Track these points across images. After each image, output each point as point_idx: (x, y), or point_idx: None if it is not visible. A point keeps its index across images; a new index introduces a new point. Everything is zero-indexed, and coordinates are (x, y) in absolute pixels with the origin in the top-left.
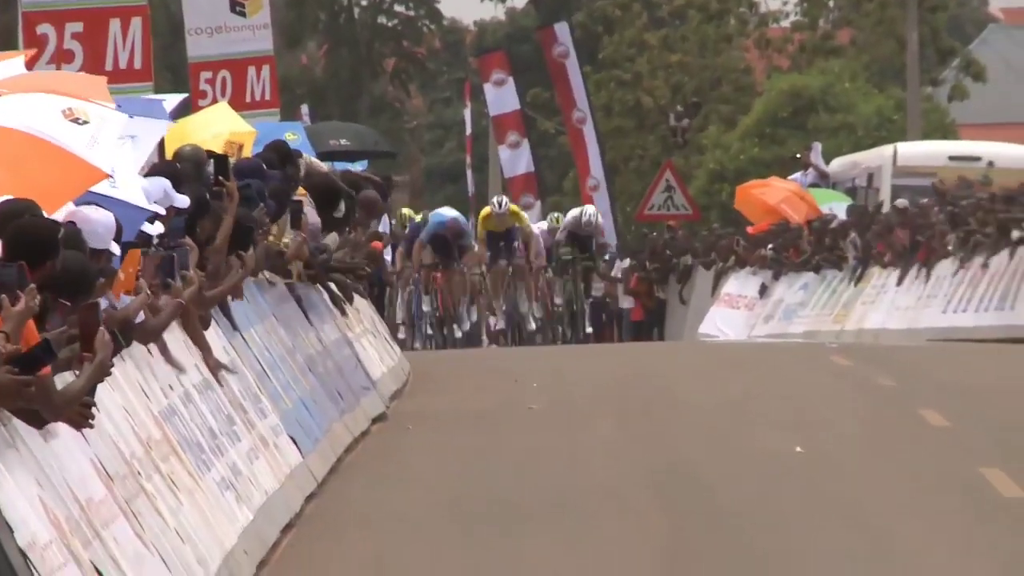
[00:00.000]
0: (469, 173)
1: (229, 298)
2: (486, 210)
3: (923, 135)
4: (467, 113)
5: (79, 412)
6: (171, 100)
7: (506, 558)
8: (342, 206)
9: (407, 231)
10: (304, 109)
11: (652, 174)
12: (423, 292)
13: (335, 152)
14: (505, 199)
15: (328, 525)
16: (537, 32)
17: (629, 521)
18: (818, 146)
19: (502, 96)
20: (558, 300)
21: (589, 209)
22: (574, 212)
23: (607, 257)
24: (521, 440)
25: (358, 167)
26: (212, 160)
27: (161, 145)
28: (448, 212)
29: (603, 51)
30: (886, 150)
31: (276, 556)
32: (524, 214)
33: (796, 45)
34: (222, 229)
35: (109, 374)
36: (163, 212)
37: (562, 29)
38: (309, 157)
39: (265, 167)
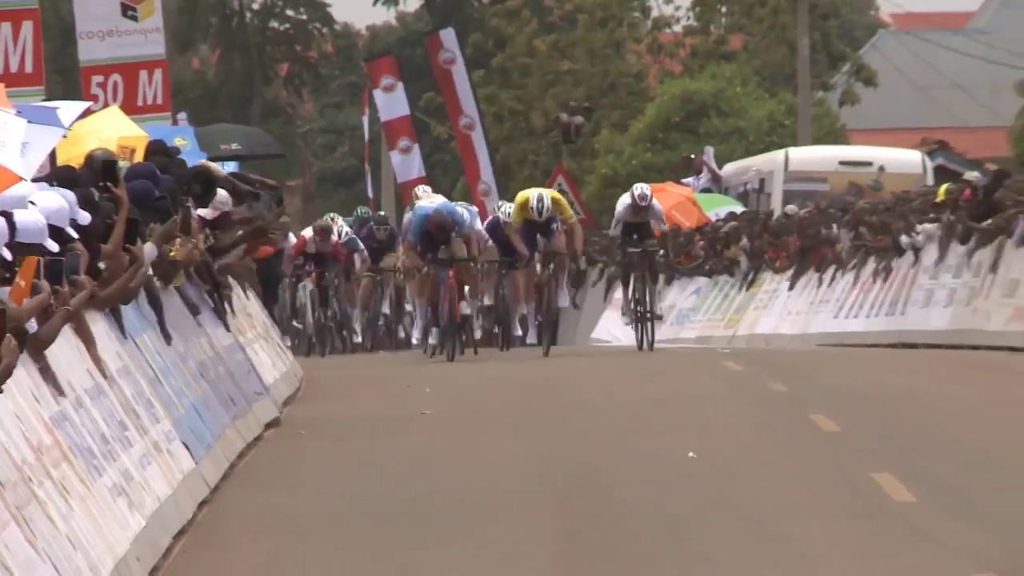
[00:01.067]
0: (369, 178)
1: (120, 304)
2: (524, 196)
3: (814, 140)
4: (365, 119)
5: None
6: (67, 108)
7: (398, 562)
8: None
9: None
10: (182, 116)
11: (545, 179)
12: (415, 294)
13: (225, 156)
14: (545, 194)
15: (220, 531)
16: (425, 39)
17: (523, 524)
18: (711, 150)
19: (392, 102)
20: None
21: (643, 186)
22: (625, 198)
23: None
24: (413, 445)
25: (231, 167)
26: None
27: (52, 153)
28: (429, 204)
29: (495, 60)
30: (778, 155)
31: (168, 562)
32: (566, 202)
33: (688, 50)
34: (114, 235)
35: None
36: (74, 234)
37: (448, 36)
38: (207, 163)
39: (157, 172)
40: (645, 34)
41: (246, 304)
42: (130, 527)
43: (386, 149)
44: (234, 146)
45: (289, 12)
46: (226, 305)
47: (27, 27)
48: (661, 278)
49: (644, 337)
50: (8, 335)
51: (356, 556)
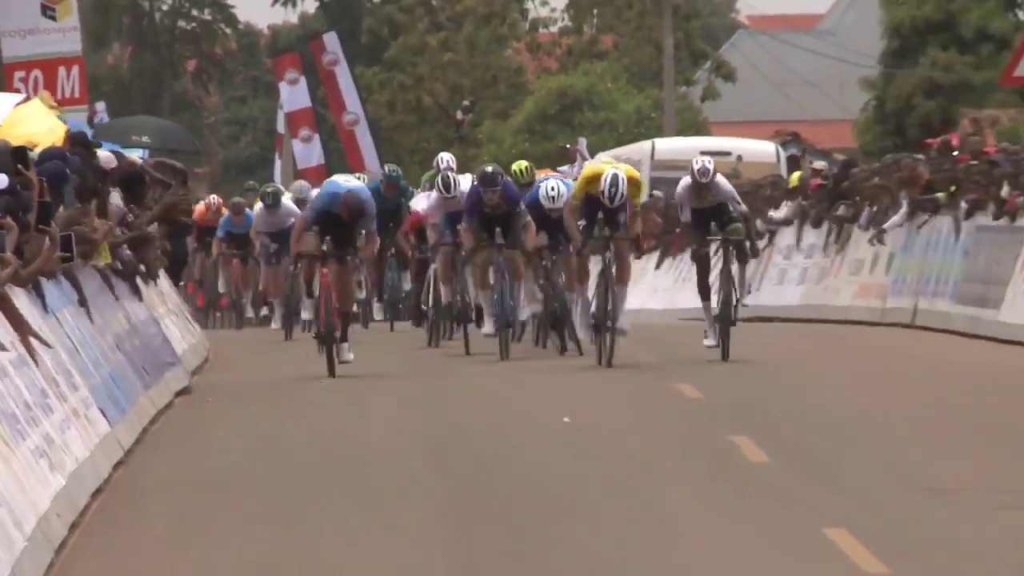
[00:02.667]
0: (278, 164)
1: (43, 280)
2: (594, 171)
3: (678, 131)
4: (280, 112)
5: None
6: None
7: (296, 519)
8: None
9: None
10: (100, 106)
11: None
12: (303, 292)
13: (135, 146)
14: (620, 175)
15: (134, 490)
16: (309, 43)
17: (410, 483)
18: (583, 141)
19: (295, 94)
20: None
21: (704, 159)
22: (685, 178)
23: None
24: (310, 412)
25: (136, 153)
26: (11, 152)
27: None
28: (346, 182)
29: (388, 52)
30: (645, 145)
31: (86, 519)
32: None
33: (564, 49)
34: (31, 215)
35: None
36: None
37: (331, 39)
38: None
39: (68, 155)
40: (524, 33)
41: (159, 281)
42: (51, 486)
43: (289, 137)
44: (144, 138)
45: (195, 13)
46: (139, 281)
47: None
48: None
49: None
50: None
51: (258, 515)
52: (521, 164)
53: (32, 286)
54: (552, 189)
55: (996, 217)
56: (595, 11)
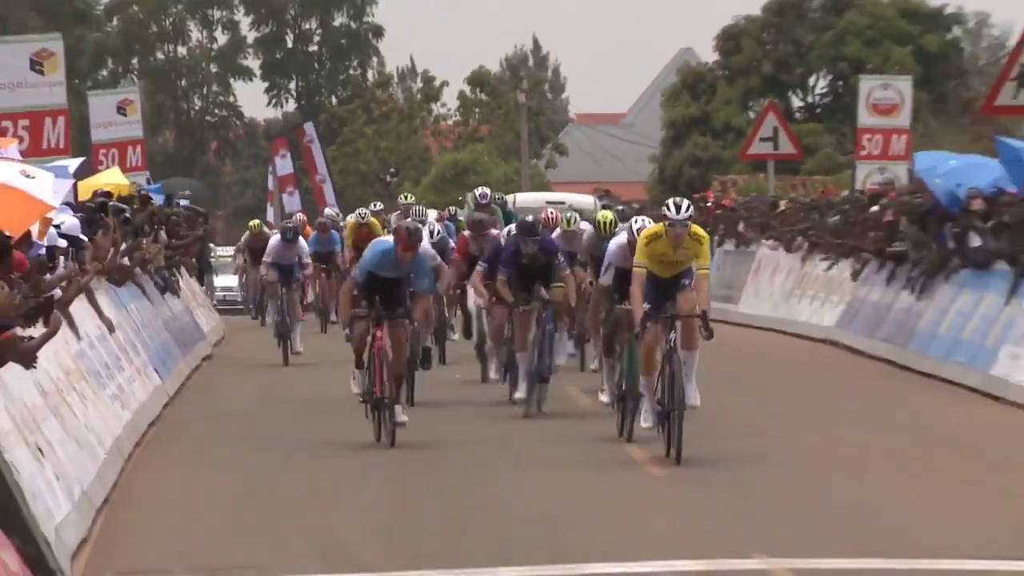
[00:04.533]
0: (270, 210)
1: (116, 286)
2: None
3: (531, 188)
4: (270, 176)
5: (30, 359)
6: (72, 163)
7: (285, 447)
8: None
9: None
10: (146, 175)
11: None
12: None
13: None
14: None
15: (176, 423)
16: (296, 129)
17: (357, 427)
18: (470, 195)
19: (284, 164)
20: None
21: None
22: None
23: None
24: (299, 373)
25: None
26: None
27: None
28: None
29: (340, 137)
30: (509, 197)
31: (144, 441)
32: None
33: (456, 135)
34: (111, 244)
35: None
36: (84, 239)
37: (309, 127)
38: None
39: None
40: (430, 125)
41: (190, 283)
42: (122, 419)
43: (278, 192)
44: (186, 192)
45: (216, 111)
46: (178, 284)
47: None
48: None
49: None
50: (57, 312)
51: (258, 438)
52: (607, 215)
53: (112, 286)
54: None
55: (736, 245)
56: (476, 110)
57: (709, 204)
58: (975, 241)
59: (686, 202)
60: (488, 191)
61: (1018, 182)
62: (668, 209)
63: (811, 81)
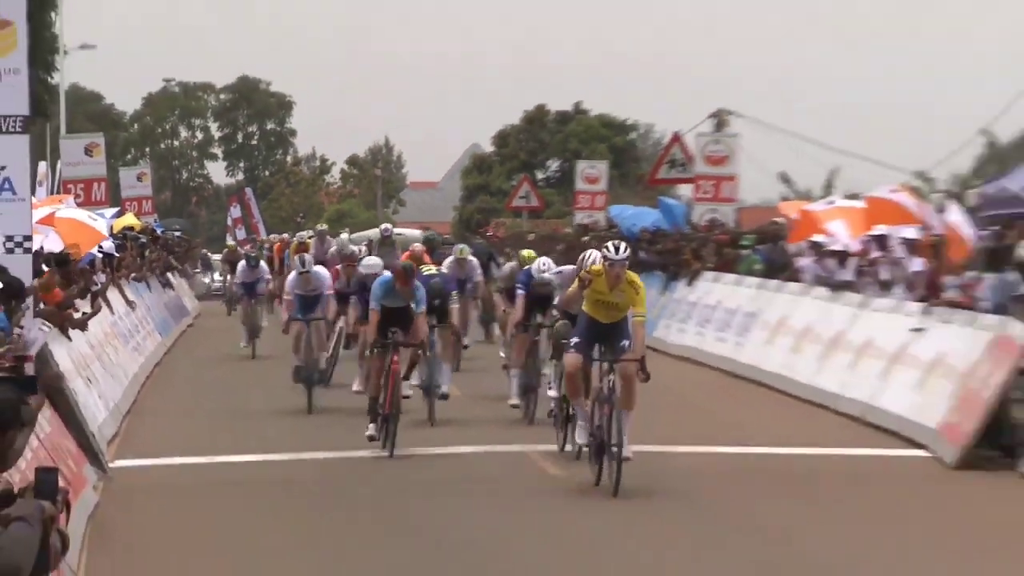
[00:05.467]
0: (229, 239)
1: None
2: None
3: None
4: (229, 219)
5: (84, 326)
6: (110, 211)
7: (252, 381)
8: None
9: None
10: (155, 217)
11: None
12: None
13: (173, 230)
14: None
15: (173, 364)
16: (242, 190)
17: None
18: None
19: (235, 211)
20: None
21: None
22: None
23: None
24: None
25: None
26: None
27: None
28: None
29: (270, 195)
30: (374, 231)
31: (152, 375)
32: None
33: (339, 194)
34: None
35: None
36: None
37: (249, 190)
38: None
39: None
40: (323, 187)
41: (180, 282)
42: (138, 362)
43: (233, 228)
44: (177, 228)
45: (196, 179)
46: (172, 281)
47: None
48: None
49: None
50: (100, 301)
51: (229, 374)
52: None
53: (133, 282)
54: (544, 264)
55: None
56: (351, 179)
57: (490, 235)
58: (642, 255)
59: (624, 244)
60: (390, 225)
61: (668, 224)
62: (608, 250)
63: (549, 163)
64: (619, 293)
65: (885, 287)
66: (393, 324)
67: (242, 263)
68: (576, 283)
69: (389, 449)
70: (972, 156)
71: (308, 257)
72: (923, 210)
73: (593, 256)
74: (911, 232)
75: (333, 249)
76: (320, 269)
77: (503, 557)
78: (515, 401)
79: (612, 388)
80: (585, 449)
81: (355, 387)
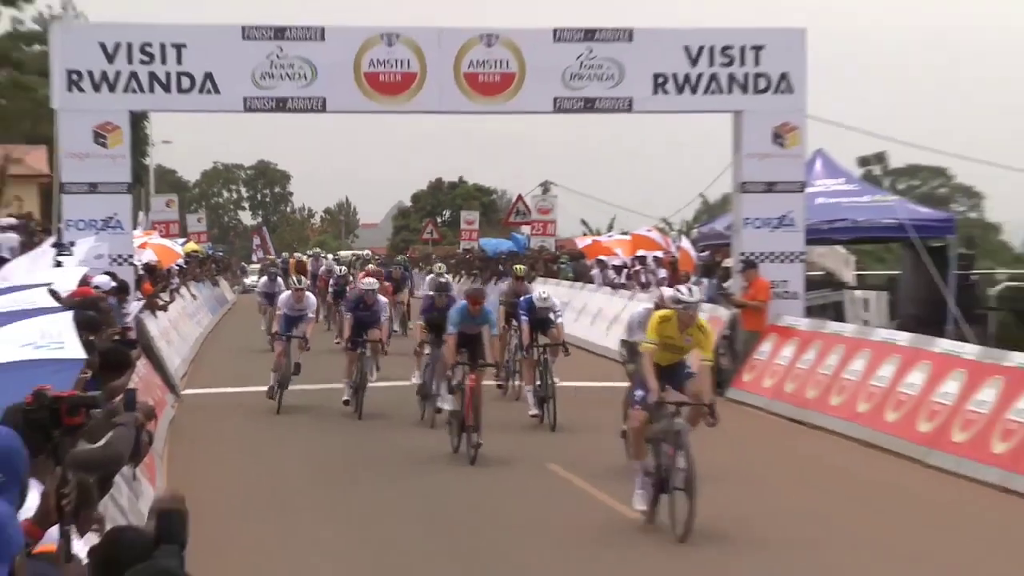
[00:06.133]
0: (254, 255)
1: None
2: (665, 315)
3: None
4: (255, 242)
5: (165, 309)
6: (181, 240)
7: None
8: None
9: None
10: (209, 244)
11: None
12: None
13: (219, 252)
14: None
15: (218, 332)
16: (261, 227)
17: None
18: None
19: (256, 241)
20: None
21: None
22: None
23: None
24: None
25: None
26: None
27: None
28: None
29: (276, 232)
30: (345, 253)
31: (205, 340)
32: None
33: (319, 229)
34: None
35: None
36: (185, 266)
37: (263, 229)
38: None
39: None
40: (311, 227)
41: (224, 283)
42: (198, 331)
43: (255, 251)
44: (220, 251)
45: (233, 221)
46: (218, 281)
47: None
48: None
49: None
50: (175, 293)
51: (257, 338)
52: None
53: (195, 282)
54: (544, 293)
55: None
56: (326, 221)
57: (409, 255)
58: (501, 268)
59: (696, 288)
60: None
61: (517, 248)
62: (680, 292)
63: (444, 212)
64: (688, 337)
65: (644, 287)
66: (465, 346)
67: (286, 293)
68: (645, 351)
69: (471, 455)
70: (694, 209)
71: (306, 280)
72: (665, 241)
73: (668, 294)
74: (659, 254)
75: (323, 269)
76: (309, 295)
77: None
78: (534, 412)
79: (680, 431)
80: (642, 514)
81: (442, 405)
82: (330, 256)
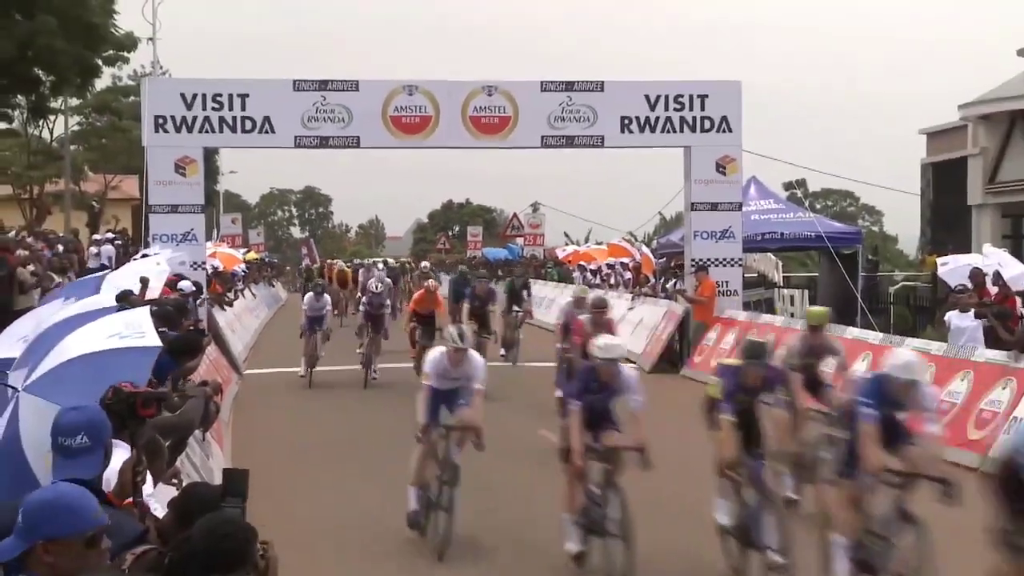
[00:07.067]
0: (304, 262)
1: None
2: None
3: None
4: (304, 251)
5: (231, 304)
6: (243, 250)
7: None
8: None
9: None
10: (267, 253)
11: None
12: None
13: (274, 259)
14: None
15: (272, 324)
16: (310, 238)
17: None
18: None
19: (305, 252)
20: None
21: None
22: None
23: None
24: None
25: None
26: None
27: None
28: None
29: (320, 244)
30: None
31: (263, 329)
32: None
33: (355, 242)
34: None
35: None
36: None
37: (310, 241)
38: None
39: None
40: (347, 239)
41: (278, 284)
42: (257, 323)
43: (302, 258)
44: (275, 258)
45: (285, 235)
46: (273, 283)
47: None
48: None
49: None
50: (239, 293)
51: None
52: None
53: (255, 283)
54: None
55: None
56: (360, 235)
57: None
58: (499, 272)
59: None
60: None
61: (513, 257)
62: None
63: (454, 227)
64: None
65: (615, 287)
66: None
67: (308, 295)
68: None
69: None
70: (654, 224)
71: (323, 283)
72: (632, 250)
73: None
74: (627, 260)
75: (372, 281)
76: (325, 295)
77: None
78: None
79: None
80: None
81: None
82: (380, 265)
